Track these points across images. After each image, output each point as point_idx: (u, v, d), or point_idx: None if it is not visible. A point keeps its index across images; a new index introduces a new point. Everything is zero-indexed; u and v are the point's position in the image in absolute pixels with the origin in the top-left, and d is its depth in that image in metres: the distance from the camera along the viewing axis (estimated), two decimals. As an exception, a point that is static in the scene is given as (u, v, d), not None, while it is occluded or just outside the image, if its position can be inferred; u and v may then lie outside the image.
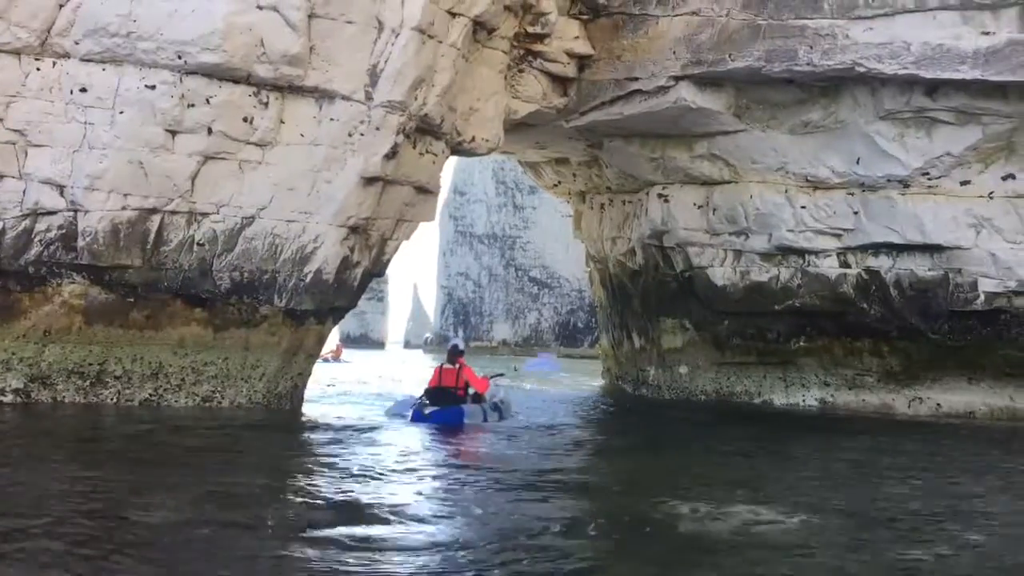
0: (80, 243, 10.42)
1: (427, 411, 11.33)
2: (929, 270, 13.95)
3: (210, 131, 10.62)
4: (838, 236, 14.45)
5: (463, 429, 11.01)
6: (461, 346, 12.61)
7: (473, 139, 13.29)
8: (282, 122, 10.95)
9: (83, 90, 10.35)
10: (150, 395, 10.76)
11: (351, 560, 4.54)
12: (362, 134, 11.09)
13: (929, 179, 13.66)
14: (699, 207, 15.53)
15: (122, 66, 10.38)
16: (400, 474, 7.34)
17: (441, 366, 12.11)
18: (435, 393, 11.78)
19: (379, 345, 72.02)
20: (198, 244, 10.82)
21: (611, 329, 19.70)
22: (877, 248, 14.24)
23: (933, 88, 12.92)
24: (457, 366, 11.95)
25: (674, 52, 13.76)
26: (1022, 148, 13.31)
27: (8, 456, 7.17)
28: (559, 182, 20.04)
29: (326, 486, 6.61)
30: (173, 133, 10.53)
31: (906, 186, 13.81)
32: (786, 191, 14.63)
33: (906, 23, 12.75)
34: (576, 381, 22.51)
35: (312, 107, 11.05)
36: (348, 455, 8.23)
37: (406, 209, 12.48)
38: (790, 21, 13.15)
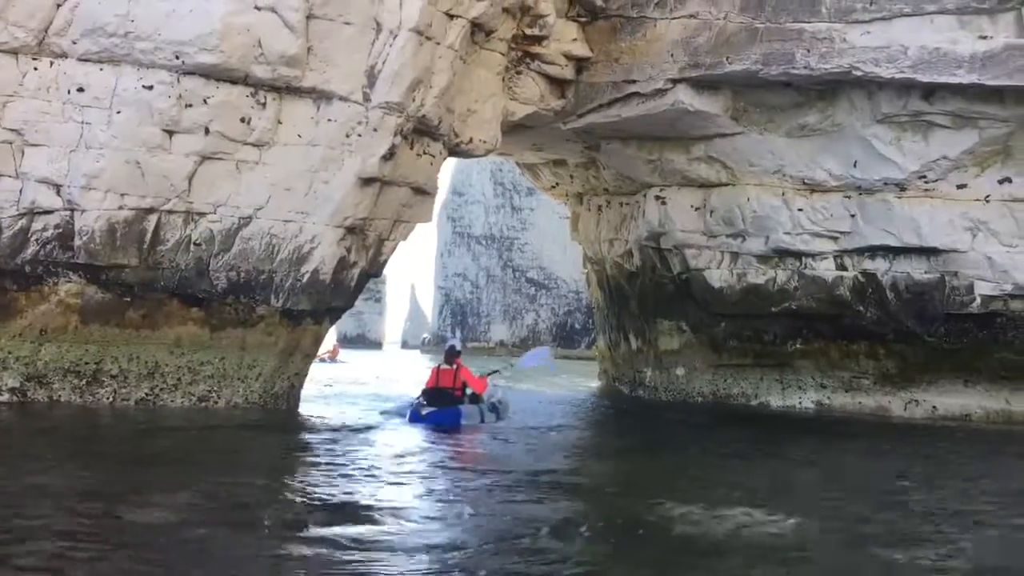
0: (77, 242, 10.42)
1: (424, 412, 11.33)
2: (925, 273, 13.97)
3: (207, 131, 10.62)
4: (835, 239, 14.48)
5: (460, 430, 11.01)
6: (458, 347, 12.61)
7: (471, 140, 13.30)
8: (279, 123, 10.95)
9: (80, 90, 10.35)
10: (146, 395, 10.76)
11: (347, 560, 4.54)
12: (359, 135, 11.09)
13: (926, 182, 13.69)
14: (696, 209, 15.56)
15: (119, 66, 10.37)
16: (396, 475, 7.33)
17: (438, 367, 12.11)
18: (432, 394, 11.78)
19: (376, 345, 71.95)
20: (195, 244, 10.81)
21: (608, 330, 19.71)
22: (874, 251, 14.26)
23: (930, 92, 12.94)
24: (454, 367, 11.95)
25: (671, 55, 13.78)
26: (1018, 152, 13.33)
27: (3, 456, 7.17)
28: (556, 184, 20.05)
29: (322, 487, 6.61)
30: (170, 133, 10.52)
31: (903, 189, 13.84)
32: (783, 194, 14.65)
33: (903, 27, 12.77)
34: (573, 382, 22.51)
35: (310, 108, 11.05)
36: (345, 456, 8.23)
37: (403, 210, 12.49)
38: (787, 24, 13.17)
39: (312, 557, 4.61)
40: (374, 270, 12.73)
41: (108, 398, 10.60)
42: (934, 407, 14.25)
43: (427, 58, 11.43)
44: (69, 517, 5.13)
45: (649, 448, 10.43)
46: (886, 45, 12.69)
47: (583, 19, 14.53)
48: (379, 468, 7.59)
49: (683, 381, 16.67)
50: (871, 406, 14.70)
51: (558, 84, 14.64)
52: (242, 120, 10.74)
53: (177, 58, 10.30)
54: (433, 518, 5.80)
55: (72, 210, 10.41)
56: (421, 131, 12.04)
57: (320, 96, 11.01)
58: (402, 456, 8.51)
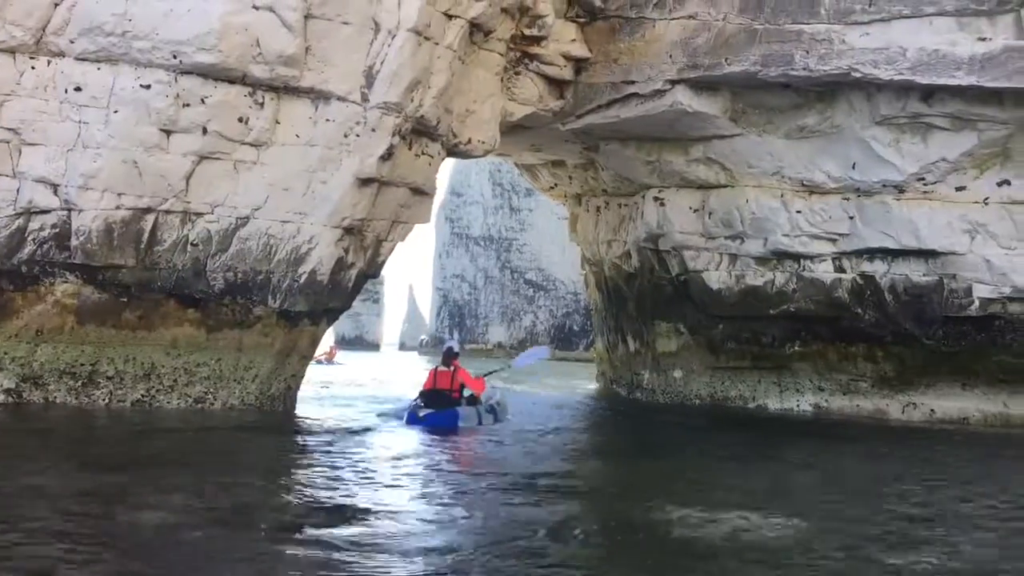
0: (73, 242, 10.39)
1: (422, 414, 11.30)
2: (924, 275, 13.97)
3: (205, 131, 10.59)
4: (833, 241, 14.48)
5: (457, 432, 10.98)
6: (456, 348, 12.60)
7: (469, 141, 13.28)
8: (277, 122, 10.93)
9: (78, 89, 10.32)
10: (142, 396, 10.72)
11: (343, 562, 4.52)
12: (358, 135, 11.07)
13: (924, 184, 13.69)
14: (695, 211, 15.55)
15: (117, 65, 10.35)
16: (393, 477, 7.31)
17: (436, 368, 12.09)
18: (430, 396, 11.75)
19: (374, 347, 71.91)
20: (192, 244, 10.79)
21: (606, 332, 19.70)
22: (872, 253, 14.26)
23: (929, 94, 12.94)
24: (452, 368, 11.93)
25: (670, 56, 13.77)
26: (1017, 154, 13.34)
27: (-2, 456, 7.14)
28: (555, 184, 20.04)
29: (319, 489, 6.59)
30: (168, 133, 10.50)
31: (901, 191, 13.83)
32: (782, 195, 14.65)
33: (902, 29, 12.78)
34: (570, 384, 22.50)
35: (308, 108, 11.03)
36: (341, 458, 8.20)
37: (401, 210, 12.46)
38: (787, 26, 13.17)
39: (308, 559, 4.59)
40: (372, 271, 12.70)
41: (104, 399, 10.57)
42: (932, 410, 14.24)
43: (425, 58, 11.41)
44: (65, 518, 5.11)
45: (646, 450, 10.42)
46: (885, 47, 12.69)
47: (582, 20, 14.53)
48: (376, 470, 7.57)
49: (681, 383, 16.65)
50: (869, 409, 14.69)
51: (557, 85, 14.63)
52: (240, 120, 10.71)
53: (175, 57, 10.27)
54: (429, 520, 5.78)
55: (69, 210, 10.38)
56: (419, 131, 12.02)
57: (318, 96, 10.99)
58: (399, 458, 8.49)
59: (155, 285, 10.73)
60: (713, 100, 13.97)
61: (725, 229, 15.20)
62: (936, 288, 13.86)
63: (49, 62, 10.36)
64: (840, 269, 14.58)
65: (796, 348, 15.22)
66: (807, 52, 12.95)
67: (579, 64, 14.57)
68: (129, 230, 10.50)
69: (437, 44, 11.61)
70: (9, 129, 10.28)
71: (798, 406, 15.31)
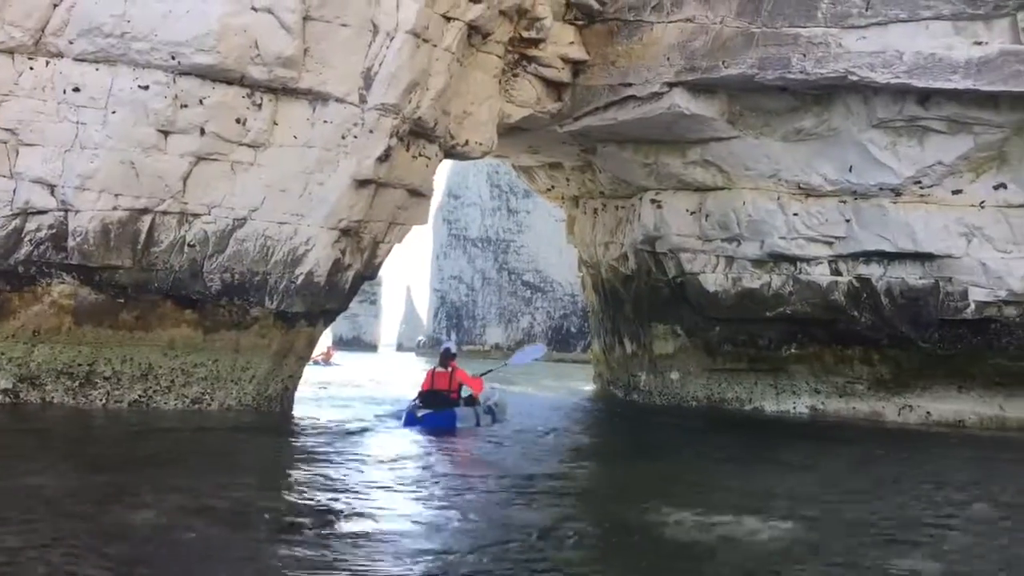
0: (70, 243, 10.38)
1: (419, 415, 11.30)
2: (920, 278, 13.99)
3: (203, 132, 10.60)
4: (830, 244, 14.50)
5: (455, 433, 10.99)
6: (453, 349, 12.59)
7: (467, 143, 13.30)
8: (275, 124, 10.93)
9: (76, 90, 10.32)
10: (139, 396, 10.72)
11: (340, 563, 4.53)
12: (355, 136, 11.08)
13: (921, 188, 13.72)
14: (692, 213, 15.57)
15: (115, 66, 10.36)
16: (390, 478, 7.32)
17: (434, 369, 12.09)
18: (428, 396, 11.75)
19: (371, 348, 71.87)
20: (189, 245, 10.79)
21: (603, 334, 19.71)
22: (868, 256, 14.29)
23: (925, 97, 12.98)
24: (450, 369, 11.93)
25: (668, 58, 13.80)
26: (1013, 158, 13.37)
27: (-5, 457, 7.14)
28: (552, 186, 20.06)
29: (316, 489, 6.59)
30: (165, 133, 10.50)
31: (898, 194, 13.86)
32: (778, 198, 14.68)
33: (899, 32, 12.81)
34: (567, 386, 22.50)
35: (305, 109, 11.03)
36: (338, 458, 8.21)
37: (399, 212, 12.47)
38: (784, 29, 13.20)
39: (305, 559, 4.60)
40: (369, 272, 12.71)
41: (101, 400, 10.56)
42: (928, 413, 14.26)
43: (423, 60, 11.42)
44: (62, 518, 5.11)
45: (643, 452, 10.43)
46: (882, 50, 12.72)
47: (580, 22, 14.55)
48: (373, 471, 7.58)
49: (677, 385, 16.67)
50: (865, 411, 14.71)
51: (554, 87, 14.65)
52: (238, 121, 10.72)
53: (173, 58, 10.28)
54: (426, 522, 5.79)
55: (66, 210, 10.37)
56: (417, 133, 12.03)
57: (316, 97, 11.00)
58: (396, 459, 8.49)
59: (152, 286, 10.73)
60: (710, 103, 14.00)
61: (722, 231, 15.22)
62: (932, 291, 13.88)
63: (48, 63, 10.37)
64: (836, 272, 14.61)
65: (792, 350, 15.24)
66: (804, 55, 12.98)
67: (577, 66, 14.59)
68: (126, 231, 10.49)
69: (435, 46, 11.63)
70: (6, 129, 10.28)
71: (794, 408, 15.32)
